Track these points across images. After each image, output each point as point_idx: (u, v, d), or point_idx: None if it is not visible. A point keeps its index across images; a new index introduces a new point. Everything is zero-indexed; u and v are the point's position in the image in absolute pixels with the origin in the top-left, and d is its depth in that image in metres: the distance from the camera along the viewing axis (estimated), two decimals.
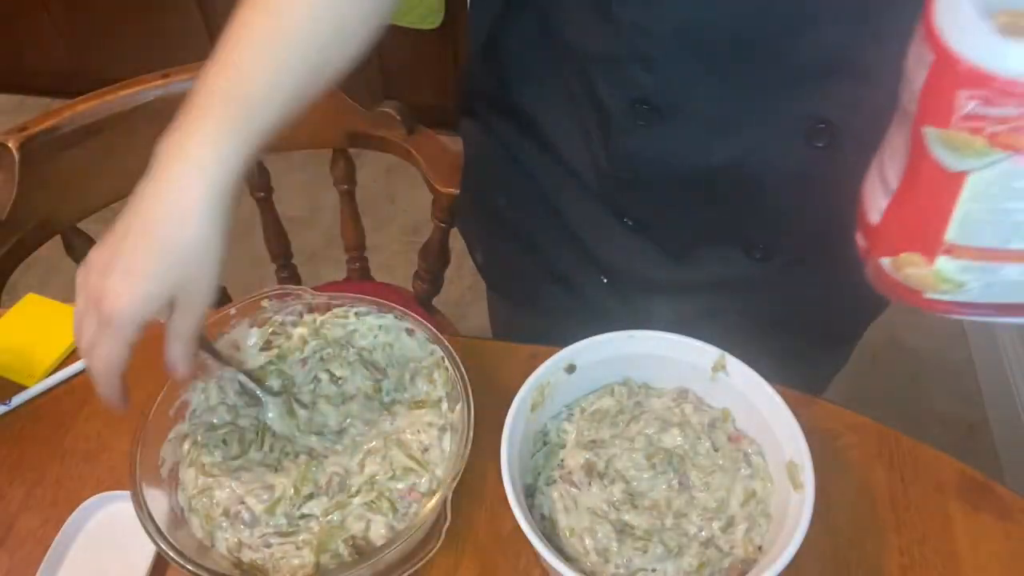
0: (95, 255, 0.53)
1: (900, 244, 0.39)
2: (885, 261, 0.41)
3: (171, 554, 0.55)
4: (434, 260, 1.17)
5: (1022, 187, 0.33)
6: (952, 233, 0.36)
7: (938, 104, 0.33)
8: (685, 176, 0.65)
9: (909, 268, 0.39)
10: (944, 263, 0.38)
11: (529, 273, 0.85)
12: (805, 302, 0.77)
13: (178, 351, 0.55)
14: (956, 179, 0.34)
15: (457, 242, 1.11)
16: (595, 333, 0.66)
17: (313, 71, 0.55)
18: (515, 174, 0.77)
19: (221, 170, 0.52)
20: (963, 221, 0.36)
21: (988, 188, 0.34)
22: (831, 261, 0.67)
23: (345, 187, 1.16)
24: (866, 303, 0.81)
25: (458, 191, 0.99)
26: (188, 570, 0.55)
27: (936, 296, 0.40)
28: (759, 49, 0.54)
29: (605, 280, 0.79)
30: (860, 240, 0.43)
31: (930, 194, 0.36)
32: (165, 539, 0.56)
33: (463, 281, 1.97)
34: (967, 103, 0.31)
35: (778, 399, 0.61)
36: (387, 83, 2.21)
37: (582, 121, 0.67)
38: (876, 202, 0.40)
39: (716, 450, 0.64)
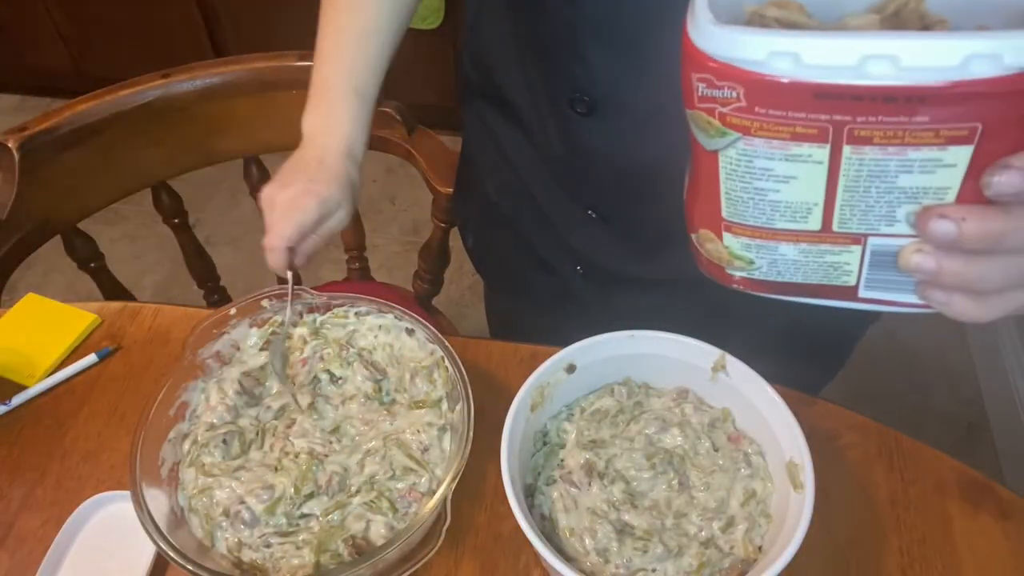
0: (268, 187, 0.70)
1: (697, 221, 0.41)
2: (693, 237, 0.43)
3: (171, 554, 0.55)
4: (434, 260, 1.17)
5: (763, 167, 0.34)
6: (725, 211, 0.38)
7: (685, 87, 0.34)
8: (628, 168, 0.67)
9: (708, 244, 0.41)
10: (729, 240, 0.40)
11: (516, 261, 0.87)
12: (779, 308, 0.77)
13: (305, 246, 0.70)
14: (713, 158, 0.36)
15: (457, 242, 1.11)
16: (580, 326, 0.66)
17: (392, 41, 0.75)
18: (500, 160, 0.80)
19: (355, 141, 0.73)
20: (728, 199, 0.37)
21: (736, 167, 0.35)
22: None
23: None
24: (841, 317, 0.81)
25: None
26: (188, 570, 0.55)
27: (734, 272, 0.42)
28: (670, 44, 0.55)
29: (580, 269, 0.81)
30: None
31: (702, 173, 0.38)
32: (165, 539, 0.56)
33: (463, 281, 1.97)
34: (698, 85, 0.33)
35: (778, 399, 0.61)
36: (387, 83, 2.21)
37: (540, 109, 0.70)
38: (684, 182, 0.42)
39: (716, 450, 0.64)
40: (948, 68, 0.28)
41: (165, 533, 0.56)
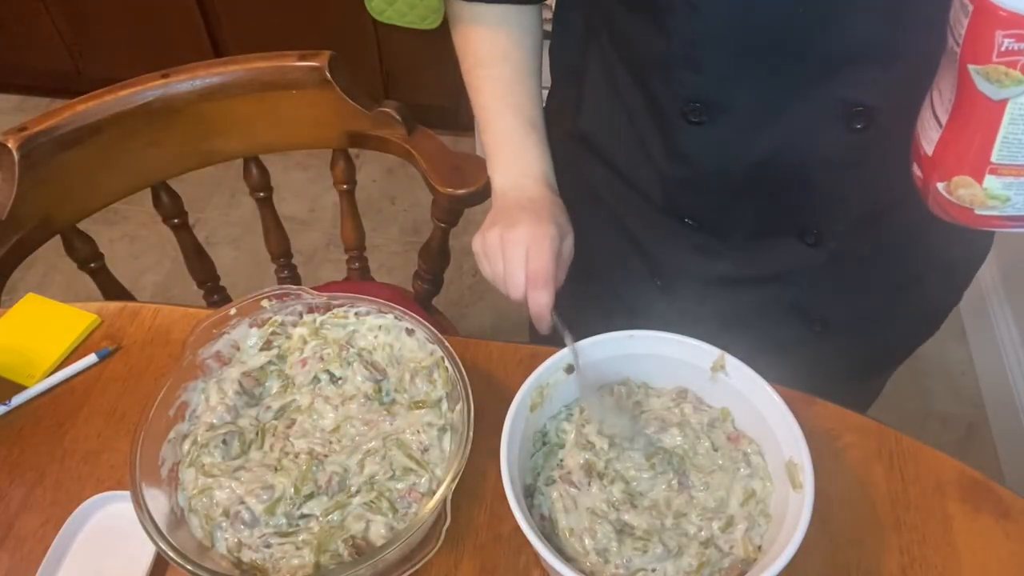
0: (489, 232, 0.70)
1: (952, 169, 0.46)
2: (940, 186, 0.48)
3: (171, 554, 0.55)
4: (434, 260, 1.17)
5: None
6: (996, 155, 0.43)
7: (980, 44, 0.40)
8: (737, 169, 0.68)
9: (961, 189, 0.46)
10: (991, 181, 0.45)
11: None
12: (856, 307, 0.79)
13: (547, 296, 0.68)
14: (998, 107, 0.41)
15: (457, 242, 1.11)
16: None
17: (539, 69, 0.79)
18: (581, 194, 0.81)
19: (549, 169, 0.76)
20: (1005, 143, 0.43)
21: (1021, 112, 0.41)
22: (882, 256, 0.74)
23: (345, 187, 1.16)
24: (914, 321, 0.84)
25: (457, 191, 1.01)
26: (188, 570, 0.55)
27: (985, 212, 0.47)
28: (792, 43, 0.59)
29: (659, 283, 0.82)
30: (916, 171, 0.50)
31: (977, 122, 0.43)
32: (165, 539, 0.56)
33: (463, 281, 1.97)
34: (1003, 41, 0.38)
35: (778, 399, 0.61)
36: (387, 83, 2.21)
37: (641, 135, 0.72)
38: (929, 136, 0.47)
39: (715, 450, 0.64)
40: None
41: (165, 533, 0.56)
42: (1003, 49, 0.39)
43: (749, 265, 0.77)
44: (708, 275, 0.78)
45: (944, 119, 0.46)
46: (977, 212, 0.47)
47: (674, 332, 0.66)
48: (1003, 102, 0.41)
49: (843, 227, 0.71)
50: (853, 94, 0.60)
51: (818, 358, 0.80)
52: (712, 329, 0.67)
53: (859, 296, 0.79)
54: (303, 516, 0.62)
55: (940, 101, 0.47)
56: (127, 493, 0.58)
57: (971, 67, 0.41)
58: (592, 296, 0.84)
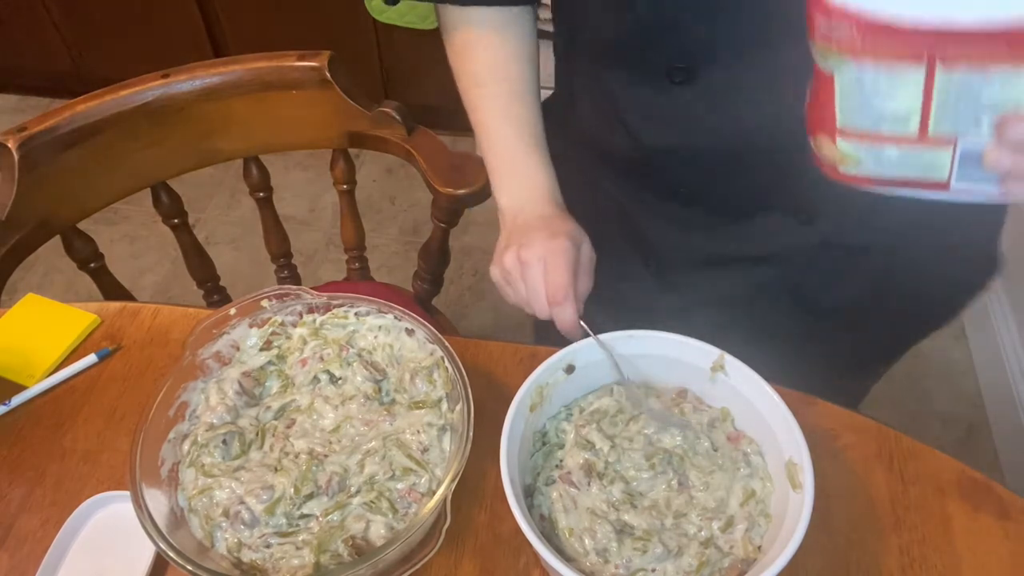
0: (505, 256, 0.70)
1: (815, 128, 0.49)
2: (813, 142, 0.51)
3: (171, 554, 0.55)
4: (434, 260, 1.17)
5: (868, 82, 0.43)
6: (840, 120, 0.47)
7: (811, 23, 0.44)
8: (723, 141, 0.67)
9: (824, 148, 0.49)
10: (842, 143, 0.48)
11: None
12: (850, 296, 0.79)
13: (580, 289, 0.68)
14: (830, 78, 0.45)
15: (457, 242, 1.11)
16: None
17: (538, 87, 0.78)
18: (576, 180, 0.81)
19: (555, 186, 0.75)
20: (842, 110, 0.46)
21: (849, 84, 0.44)
22: (877, 244, 0.73)
23: (345, 187, 1.16)
24: (909, 316, 0.84)
25: (457, 191, 1.01)
26: (188, 570, 0.55)
27: (846, 170, 0.49)
28: (771, 16, 0.58)
29: (652, 268, 0.81)
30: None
31: (821, 90, 0.46)
32: (165, 539, 0.56)
33: (463, 281, 1.97)
34: (821, 21, 0.43)
35: (777, 399, 0.61)
36: (387, 83, 2.21)
37: (625, 105, 0.72)
38: (807, 96, 0.50)
39: (715, 450, 0.64)
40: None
41: (165, 533, 0.56)
42: (822, 30, 0.43)
43: (741, 243, 0.76)
44: (699, 254, 0.78)
45: (809, 82, 0.49)
46: (840, 169, 0.50)
47: (666, 320, 0.66)
48: (831, 75, 0.45)
49: (836, 207, 0.70)
50: None
51: (812, 349, 0.80)
52: (706, 317, 0.67)
53: (852, 284, 0.78)
54: (303, 516, 0.62)
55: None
56: (127, 493, 0.58)
57: (810, 42, 0.45)
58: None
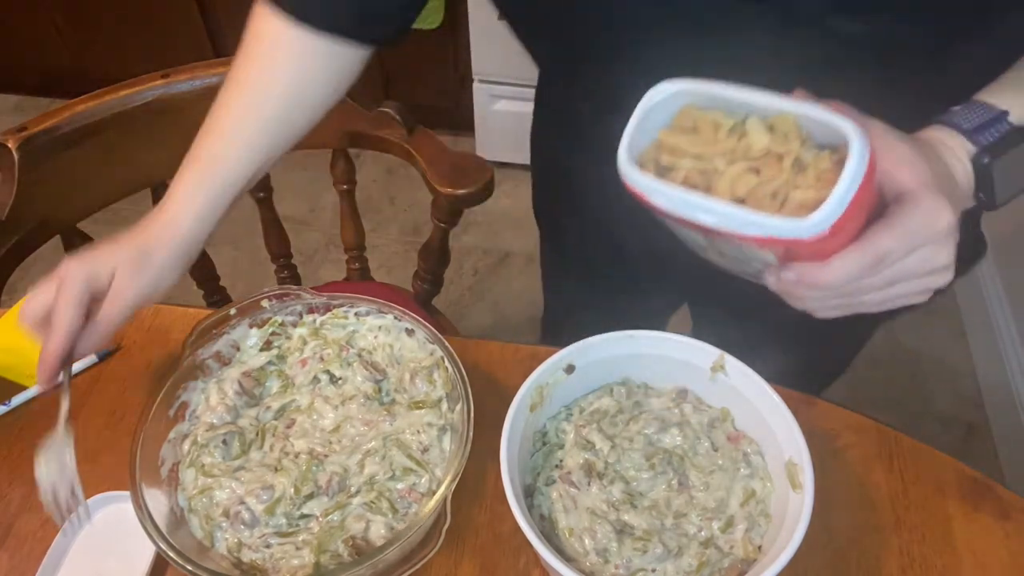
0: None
1: None
2: None
3: (171, 554, 0.55)
4: (434, 260, 1.17)
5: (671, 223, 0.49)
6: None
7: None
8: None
9: None
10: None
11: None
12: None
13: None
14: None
15: (457, 242, 1.11)
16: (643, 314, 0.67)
17: (279, 135, 0.68)
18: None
19: (192, 222, 0.66)
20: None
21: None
22: None
23: (345, 187, 1.16)
24: None
25: (457, 191, 1.01)
26: (188, 570, 0.55)
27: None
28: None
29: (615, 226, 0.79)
30: None
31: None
32: (165, 539, 0.56)
33: (463, 281, 1.96)
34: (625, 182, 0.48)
35: (777, 399, 0.61)
36: (387, 83, 2.21)
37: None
38: None
39: (715, 450, 0.64)
40: (751, 227, 0.44)
41: (165, 533, 0.56)
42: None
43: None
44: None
45: None
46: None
47: (630, 288, 0.65)
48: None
49: None
50: None
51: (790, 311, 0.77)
52: (677, 291, 0.65)
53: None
54: (303, 516, 0.62)
55: None
56: (127, 493, 0.58)
57: None
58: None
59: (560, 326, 1.09)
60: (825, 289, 0.47)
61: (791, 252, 0.46)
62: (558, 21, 0.62)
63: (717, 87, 0.47)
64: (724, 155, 0.47)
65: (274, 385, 0.70)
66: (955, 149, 0.51)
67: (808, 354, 0.81)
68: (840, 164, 0.43)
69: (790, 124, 0.46)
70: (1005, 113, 0.51)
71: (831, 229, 0.43)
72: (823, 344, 0.88)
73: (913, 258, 0.46)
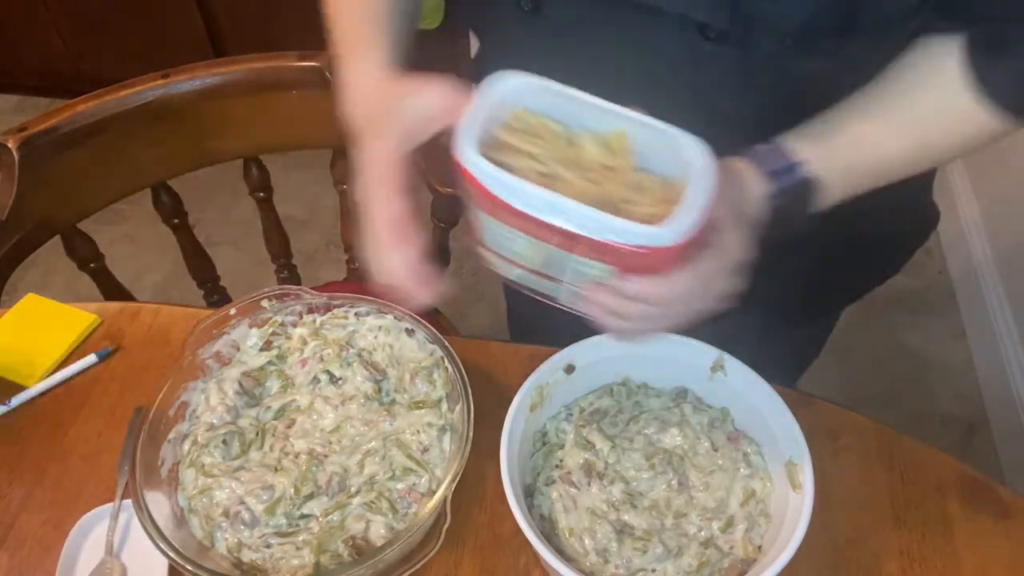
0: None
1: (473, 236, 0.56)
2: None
3: (171, 555, 0.55)
4: (434, 260, 1.17)
5: (495, 227, 0.50)
6: (485, 238, 0.53)
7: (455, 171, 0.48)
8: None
9: (478, 248, 0.56)
10: (484, 253, 0.56)
11: None
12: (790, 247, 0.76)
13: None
14: (477, 211, 0.51)
15: (457, 242, 1.11)
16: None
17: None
18: None
19: (385, 64, 0.67)
20: (487, 231, 0.52)
21: (485, 222, 0.50)
22: None
23: (345, 187, 1.16)
24: (859, 264, 0.82)
25: (457, 191, 1.00)
26: (188, 570, 0.55)
27: (492, 268, 0.57)
28: None
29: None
30: None
31: (474, 215, 0.52)
32: (165, 540, 0.56)
33: (463, 281, 1.96)
34: (457, 174, 0.47)
35: (777, 399, 0.61)
36: None
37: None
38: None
39: (715, 450, 0.64)
40: (593, 230, 0.43)
41: (165, 534, 0.56)
42: (459, 182, 0.48)
43: None
44: None
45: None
46: (489, 267, 0.57)
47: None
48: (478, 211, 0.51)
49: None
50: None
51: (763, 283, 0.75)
52: None
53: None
54: (303, 516, 0.62)
55: None
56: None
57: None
58: None
59: (526, 323, 1.07)
60: (660, 303, 0.50)
61: (632, 266, 0.47)
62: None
63: (557, 86, 0.47)
64: (560, 161, 0.47)
65: (274, 385, 0.70)
66: (753, 184, 0.55)
67: (780, 348, 0.81)
68: (671, 189, 0.45)
69: (623, 141, 0.47)
70: (800, 164, 0.55)
71: (691, 239, 0.44)
72: (798, 334, 0.89)
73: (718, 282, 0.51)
